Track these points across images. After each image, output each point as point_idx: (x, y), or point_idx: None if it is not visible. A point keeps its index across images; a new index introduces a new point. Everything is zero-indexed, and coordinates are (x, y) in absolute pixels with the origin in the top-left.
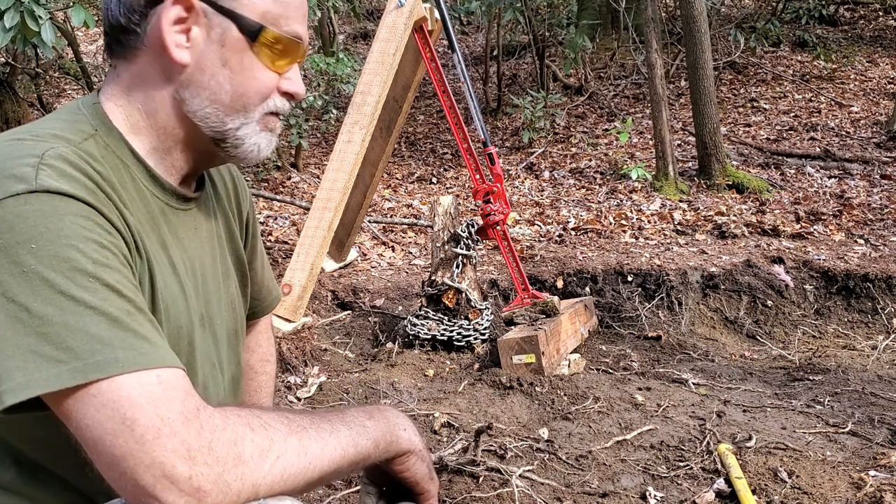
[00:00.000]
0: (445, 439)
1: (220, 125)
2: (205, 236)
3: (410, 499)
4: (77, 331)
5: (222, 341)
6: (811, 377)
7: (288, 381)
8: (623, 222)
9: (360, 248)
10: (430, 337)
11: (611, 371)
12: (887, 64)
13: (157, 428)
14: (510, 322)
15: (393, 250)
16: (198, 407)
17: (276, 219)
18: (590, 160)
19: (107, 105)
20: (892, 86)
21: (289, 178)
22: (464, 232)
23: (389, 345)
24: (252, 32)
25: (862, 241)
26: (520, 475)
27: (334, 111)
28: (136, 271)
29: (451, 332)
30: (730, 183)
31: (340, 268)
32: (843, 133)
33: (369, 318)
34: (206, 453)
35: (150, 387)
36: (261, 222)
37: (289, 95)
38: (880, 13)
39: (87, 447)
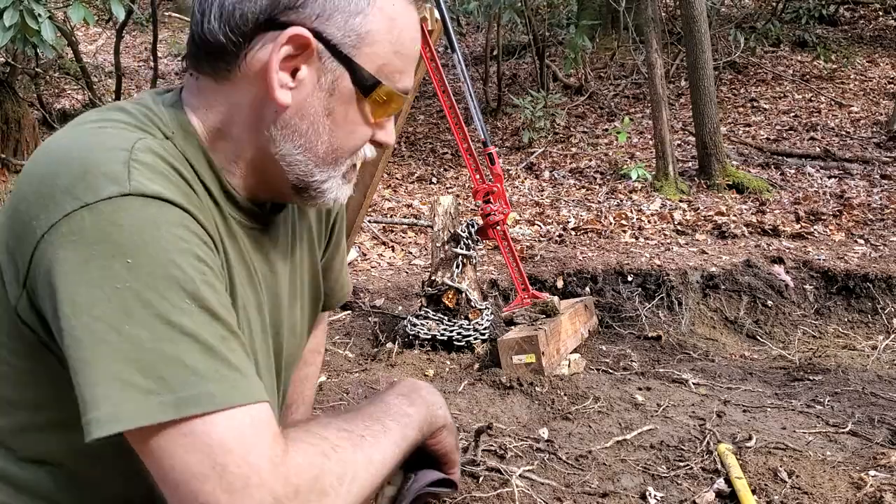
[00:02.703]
0: None
1: (306, 175)
2: (279, 257)
3: (432, 466)
4: (170, 359)
5: (281, 365)
6: (811, 377)
7: None
8: (623, 222)
9: (360, 248)
10: (430, 337)
11: (611, 371)
12: (887, 64)
13: (247, 476)
14: (510, 322)
15: (393, 250)
16: (283, 450)
17: None
18: (590, 160)
19: (187, 112)
20: (892, 86)
21: None
22: (464, 232)
23: (389, 345)
24: (366, 87)
25: (862, 241)
26: (520, 475)
27: None
28: (226, 285)
29: (451, 332)
30: (730, 183)
31: None
32: (843, 133)
33: (369, 318)
34: (292, 498)
35: (242, 428)
36: None
37: (378, 145)
38: (880, 13)
39: (167, 487)
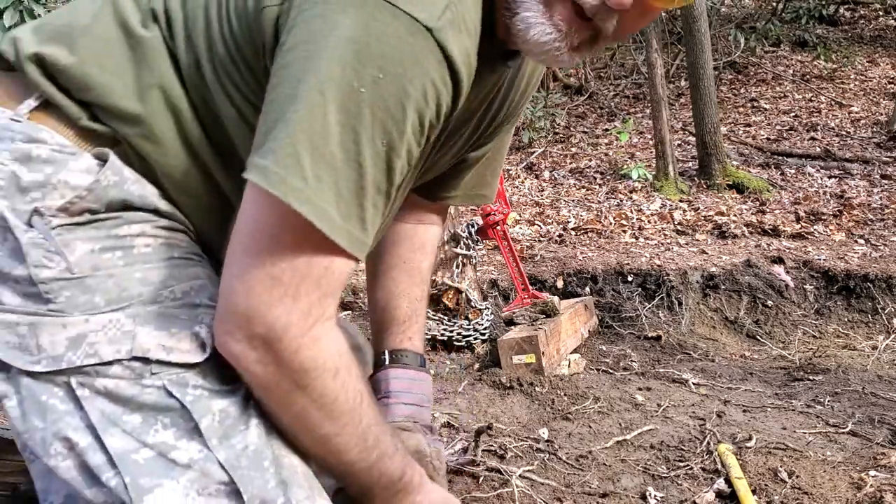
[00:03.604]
0: (445, 439)
1: None
2: (478, 108)
3: None
4: (334, 170)
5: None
6: (811, 377)
7: None
8: (623, 222)
9: None
10: (430, 337)
11: (611, 371)
12: (887, 64)
13: (286, 295)
14: (510, 322)
15: None
16: (326, 317)
17: None
18: (590, 160)
19: None
20: (892, 86)
21: None
22: (464, 232)
23: None
24: None
25: (862, 241)
26: (520, 475)
27: None
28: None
29: (451, 332)
30: (730, 183)
31: None
32: (843, 133)
33: (369, 318)
34: (289, 352)
35: (323, 268)
36: None
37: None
38: (880, 13)
39: (243, 240)
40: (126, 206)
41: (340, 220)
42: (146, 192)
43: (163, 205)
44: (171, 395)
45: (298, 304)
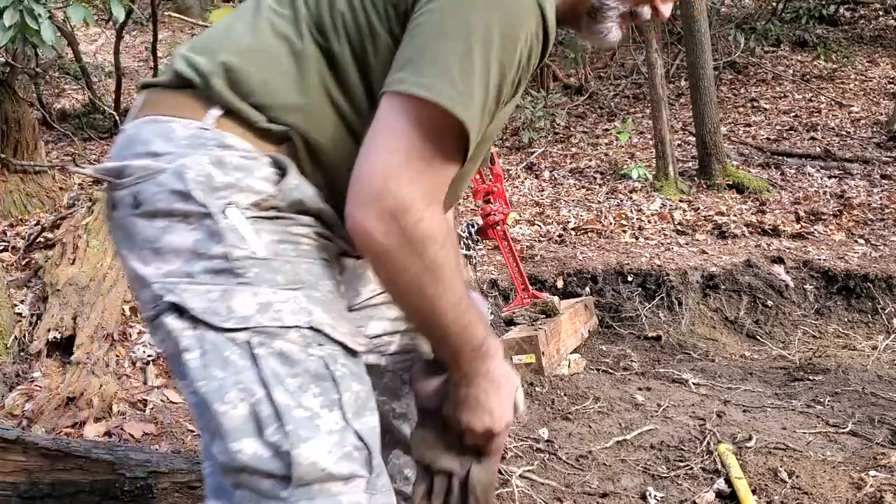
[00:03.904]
0: None
1: None
2: None
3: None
4: (473, 90)
5: None
6: (811, 377)
7: None
8: (623, 222)
9: None
10: None
11: (611, 371)
12: (887, 64)
13: (413, 179)
14: (510, 322)
15: None
16: (438, 201)
17: None
18: (590, 160)
19: None
20: (892, 86)
21: None
22: (464, 232)
23: None
24: None
25: (862, 241)
26: (520, 475)
27: None
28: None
29: None
30: (730, 183)
31: None
32: (844, 133)
33: None
34: (412, 223)
35: (444, 161)
36: None
37: (654, 12)
38: (880, 13)
39: (381, 125)
40: (299, 207)
41: (472, 127)
42: (313, 192)
43: (323, 205)
44: (327, 366)
45: (421, 186)
